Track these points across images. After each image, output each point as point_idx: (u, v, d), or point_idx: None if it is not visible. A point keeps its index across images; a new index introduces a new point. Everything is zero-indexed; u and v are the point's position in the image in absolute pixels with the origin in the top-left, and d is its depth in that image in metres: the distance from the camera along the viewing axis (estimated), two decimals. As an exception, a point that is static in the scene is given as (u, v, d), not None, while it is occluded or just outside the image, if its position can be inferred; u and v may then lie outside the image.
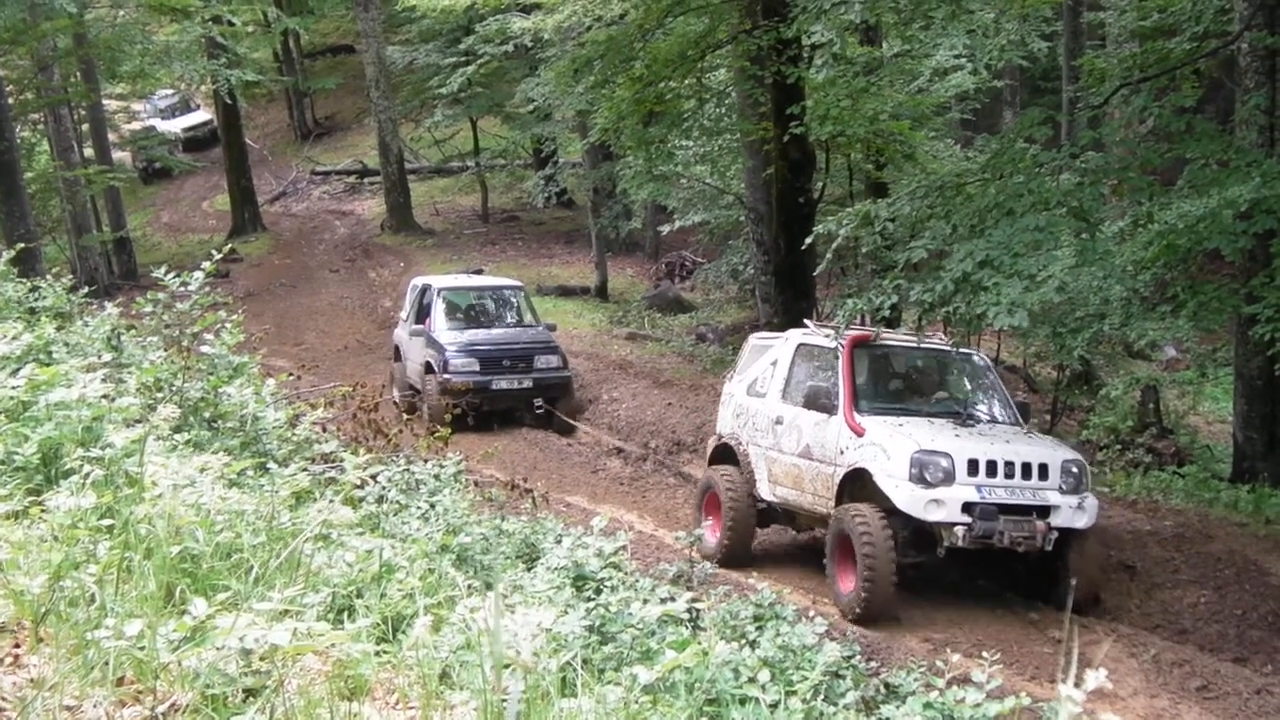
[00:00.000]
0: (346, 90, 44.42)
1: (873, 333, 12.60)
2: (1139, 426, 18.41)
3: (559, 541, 6.89)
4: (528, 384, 18.77)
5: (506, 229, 34.85)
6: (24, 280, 10.82)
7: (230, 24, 34.48)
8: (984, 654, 5.11)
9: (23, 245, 14.39)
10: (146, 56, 32.94)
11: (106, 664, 2.84)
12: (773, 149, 16.87)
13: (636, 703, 3.42)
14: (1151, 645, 9.82)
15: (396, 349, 20.86)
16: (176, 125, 44.19)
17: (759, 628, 5.84)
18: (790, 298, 17.09)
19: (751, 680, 4.37)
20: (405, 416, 14.23)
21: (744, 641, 5.43)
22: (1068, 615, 10.11)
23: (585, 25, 20.65)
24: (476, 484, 9.87)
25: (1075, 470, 10.80)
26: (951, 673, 4.74)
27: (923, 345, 12.54)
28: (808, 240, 15.25)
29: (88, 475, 4.04)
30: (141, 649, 2.89)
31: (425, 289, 20.36)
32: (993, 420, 11.90)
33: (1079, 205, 12.07)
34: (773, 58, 16.25)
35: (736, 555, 12.03)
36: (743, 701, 4.32)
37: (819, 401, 11.53)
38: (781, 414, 12.24)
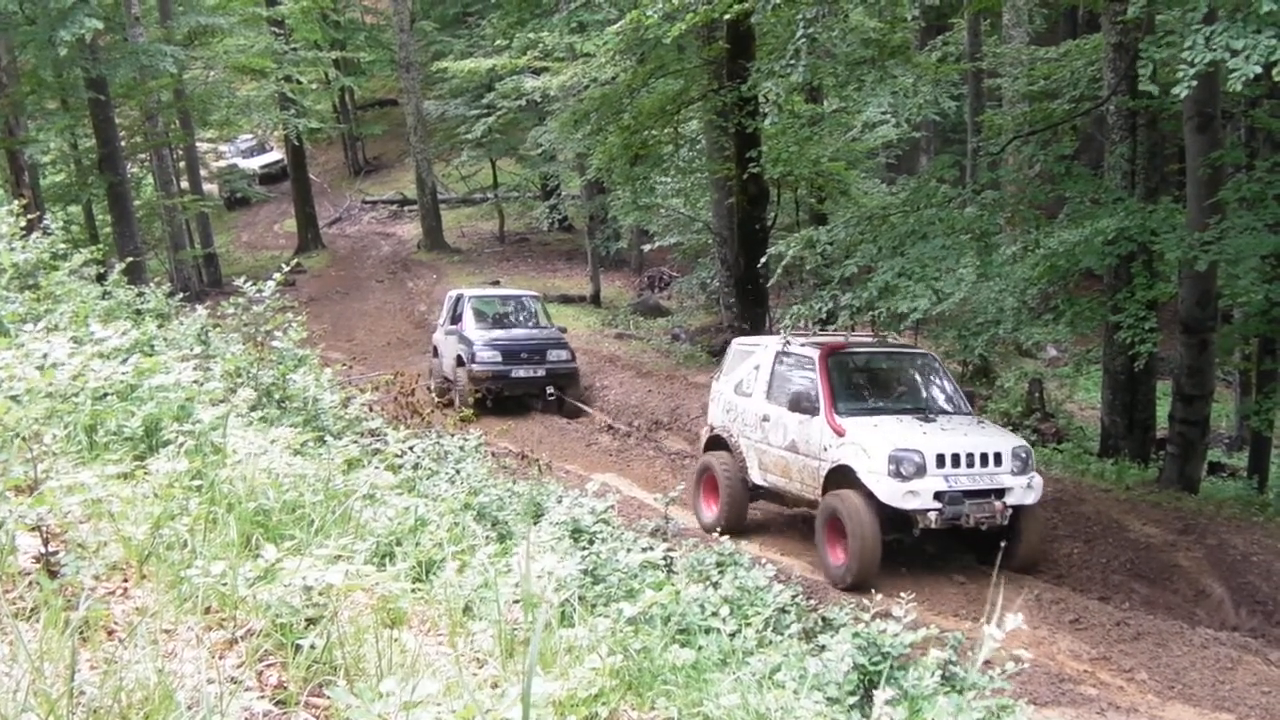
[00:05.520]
0: (390, 136, 44.25)
1: (843, 340, 11.97)
2: (1027, 411, 18.50)
3: (559, 501, 6.84)
4: (541, 373, 18.50)
5: (519, 248, 34.80)
6: (132, 287, 10.76)
7: (298, 82, 34.59)
8: (902, 594, 5.11)
9: (131, 259, 14.41)
10: (231, 108, 33.23)
11: (197, 596, 2.84)
12: (734, 185, 16.89)
13: (621, 631, 3.42)
14: (1034, 587, 9.86)
15: (435, 347, 20.42)
16: (254, 163, 44.02)
17: (721, 572, 5.83)
18: (748, 305, 17.14)
19: (715, 614, 4.37)
20: (437, 400, 14.19)
21: (709, 583, 5.43)
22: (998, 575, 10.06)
23: (584, 85, 20.59)
24: (493, 454, 9.85)
25: (1023, 455, 10.27)
26: (875, 609, 4.74)
27: (883, 350, 12.07)
28: (763, 259, 15.29)
29: (182, 445, 4.02)
30: (224, 585, 2.88)
31: (459, 298, 19.95)
32: (947, 412, 11.05)
33: (980, 232, 12.12)
34: (735, 111, 16.29)
35: (733, 527, 11.16)
36: (707, 631, 4.32)
37: (802, 405, 10.86)
38: (767, 413, 11.57)
